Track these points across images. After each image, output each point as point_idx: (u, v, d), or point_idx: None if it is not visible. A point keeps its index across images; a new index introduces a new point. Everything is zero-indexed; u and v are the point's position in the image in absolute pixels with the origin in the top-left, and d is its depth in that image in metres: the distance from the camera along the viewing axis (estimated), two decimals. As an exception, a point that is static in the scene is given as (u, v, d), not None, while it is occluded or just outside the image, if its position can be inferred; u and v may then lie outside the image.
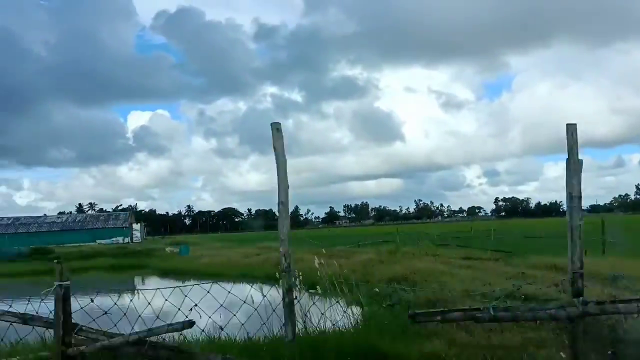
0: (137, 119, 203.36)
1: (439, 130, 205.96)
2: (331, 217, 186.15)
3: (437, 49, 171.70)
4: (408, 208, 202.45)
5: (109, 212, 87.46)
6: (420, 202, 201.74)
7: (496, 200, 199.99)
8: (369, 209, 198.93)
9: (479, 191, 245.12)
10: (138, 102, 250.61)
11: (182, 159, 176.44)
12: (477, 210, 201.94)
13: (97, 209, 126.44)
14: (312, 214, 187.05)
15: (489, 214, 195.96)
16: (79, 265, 32.25)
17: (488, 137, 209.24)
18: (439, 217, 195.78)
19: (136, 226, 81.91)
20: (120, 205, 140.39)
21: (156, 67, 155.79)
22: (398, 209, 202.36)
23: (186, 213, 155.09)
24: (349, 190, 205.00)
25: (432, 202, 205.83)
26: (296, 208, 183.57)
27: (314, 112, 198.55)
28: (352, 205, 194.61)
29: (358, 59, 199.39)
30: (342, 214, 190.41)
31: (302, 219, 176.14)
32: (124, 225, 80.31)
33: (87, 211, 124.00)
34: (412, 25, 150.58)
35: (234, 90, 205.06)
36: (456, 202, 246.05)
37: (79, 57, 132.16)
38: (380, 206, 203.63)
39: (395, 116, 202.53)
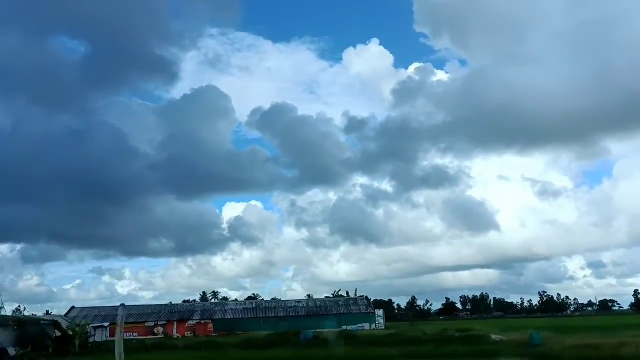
0: (231, 210, 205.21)
1: (535, 219, 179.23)
2: (448, 308, 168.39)
3: (531, 135, 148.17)
4: (530, 300, 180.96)
5: (345, 297, 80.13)
6: (545, 294, 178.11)
7: (635, 292, 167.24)
8: (489, 301, 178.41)
9: (583, 283, 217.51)
10: (233, 194, 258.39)
11: (273, 249, 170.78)
12: (609, 304, 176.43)
13: (220, 297, 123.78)
14: (430, 304, 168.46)
15: (625, 308, 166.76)
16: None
17: (590, 226, 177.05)
18: (567, 311, 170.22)
19: (379, 312, 73.38)
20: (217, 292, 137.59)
21: (251, 161, 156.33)
22: (519, 301, 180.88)
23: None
24: (441, 280, 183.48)
25: (559, 295, 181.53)
26: (413, 298, 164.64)
27: (404, 201, 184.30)
28: (470, 297, 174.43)
29: (448, 148, 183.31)
30: (458, 304, 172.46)
31: (418, 309, 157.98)
32: (368, 310, 72.32)
33: (210, 299, 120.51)
34: (504, 112, 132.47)
35: (325, 181, 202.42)
36: (568, 294, 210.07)
37: (181, 153, 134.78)
38: (497, 298, 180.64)
39: (489, 204, 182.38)
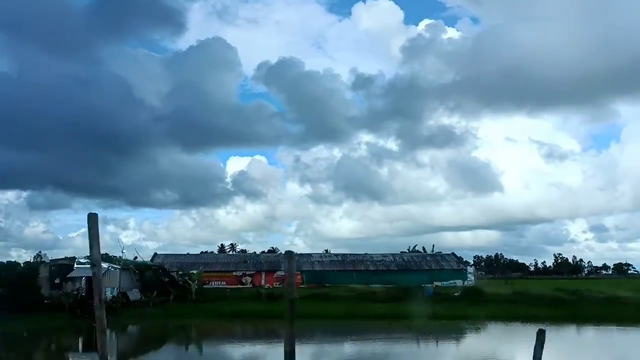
0: (236, 164, 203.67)
1: (540, 182, 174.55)
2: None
3: (541, 97, 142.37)
4: (544, 262, 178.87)
5: (430, 253, 77.86)
6: (560, 257, 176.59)
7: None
8: (501, 262, 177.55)
9: (584, 247, 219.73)
10: (238, 148, 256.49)
11: (277, 204, 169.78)
12: (625, 268, 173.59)
13: (238, 249, 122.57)
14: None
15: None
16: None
17: (595, 190, 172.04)
18: (581, 274, 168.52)
19: (470, 268, 71.13)
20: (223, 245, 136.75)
21: (256, 115, 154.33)
22: (532, 262, 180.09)
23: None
24: (442, 240, 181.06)
25: (574, 257, 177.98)
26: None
27: (409, 160, 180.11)
28: (484, 257, 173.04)
29: (456, 108, 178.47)
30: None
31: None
32: (460, 267, 70.08)
33: (228, 251, 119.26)
34: (515, 72, 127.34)
35: (330, 138, 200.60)
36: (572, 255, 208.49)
37: (186, 106, 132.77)
38: (512, 259, 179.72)
39: (494, 166, 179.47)
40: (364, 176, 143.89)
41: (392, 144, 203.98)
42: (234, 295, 47.65)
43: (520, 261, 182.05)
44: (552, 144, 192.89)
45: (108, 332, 28.13)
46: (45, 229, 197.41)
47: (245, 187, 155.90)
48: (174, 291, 42.72)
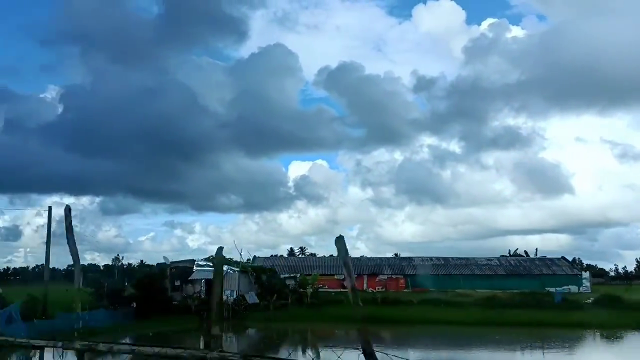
0: (297, 168, 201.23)
1: (614, 183, 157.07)
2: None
3: (613, 94, 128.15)
4: (625, 267, 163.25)
5: (542, 257, 73.74)
6: None
7: None
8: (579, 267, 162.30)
9: None
10: (300, 153, 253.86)
11: (338, 208, 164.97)
12: None
13: (307, 253, 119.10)
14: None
15: None
16: None
17: None
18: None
19: (585, 274, 66.66)
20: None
21: (318, 120, 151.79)
22: (612, 267, 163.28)
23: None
24: (508, 244, 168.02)
25: None
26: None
27: (473, 162, 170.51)
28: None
29: (522, 108, 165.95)
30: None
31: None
32: (574, 272, 65.90)
33: (298, 255, 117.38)
34: (585, 70, 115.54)
35: (391, 141, 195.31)
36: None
37: (249, 112, 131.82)
38: (588, 264, 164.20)
39: (563, 168, 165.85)
40: (427, 179, 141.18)
41: (455, 146, 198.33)
42: (347, 299, 46.67)
43: (599, 266, 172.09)
44: (626, 144, 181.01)
45: (231, 335, 27.83)
46: (117, 233, 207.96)
47: (307, 191, 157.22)
48: (291, 295, 42.41)
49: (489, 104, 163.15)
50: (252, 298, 42.63)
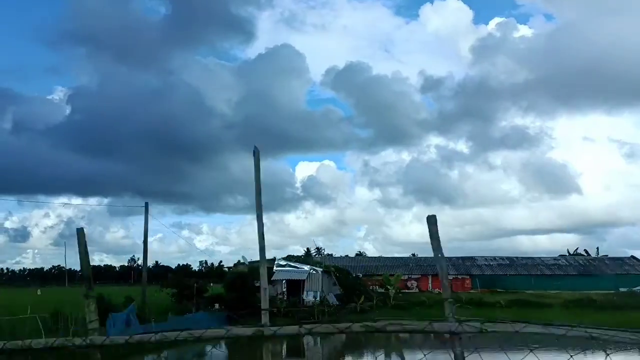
0: (305, 169, 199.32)
1: (621, 183, 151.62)
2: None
3: (621, 94, 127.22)
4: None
5: (611, 257, 71.21)
6: None
7: None
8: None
9: None
10: (307, 153, 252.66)
11: (346, 208, 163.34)
12: None
13: (325, 253, 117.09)
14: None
15: None
16: None
17: None
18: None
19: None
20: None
21: (325, 120, 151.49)
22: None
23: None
24: (516, 244, 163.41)
25: None
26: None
27: (481, 162, 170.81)
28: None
29: (530, 107, 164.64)
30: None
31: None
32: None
33: (314, 256, 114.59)
34: (592, 69, 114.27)
35: (399, 142, 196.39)
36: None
37: (256, 113, 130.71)
38: None
39: (571, 167, 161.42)
40: (434, 179, 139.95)
41: (462, 146, 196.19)
42: (428, 299, 45.28)
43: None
44: (634, 143, 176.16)
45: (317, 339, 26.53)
46: (124, 234, 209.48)
47: (314, 192, 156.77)
48: (376, 295, 41.24)
49: (497, 104, 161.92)
50: (332, 299, 41.60)
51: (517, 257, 68.51)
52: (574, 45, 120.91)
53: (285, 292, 41.50)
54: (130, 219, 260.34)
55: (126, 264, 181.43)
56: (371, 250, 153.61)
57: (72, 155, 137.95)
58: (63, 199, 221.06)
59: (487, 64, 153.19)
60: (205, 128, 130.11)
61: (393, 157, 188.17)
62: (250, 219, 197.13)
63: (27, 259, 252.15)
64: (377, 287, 45.55)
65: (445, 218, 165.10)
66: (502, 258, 68.44)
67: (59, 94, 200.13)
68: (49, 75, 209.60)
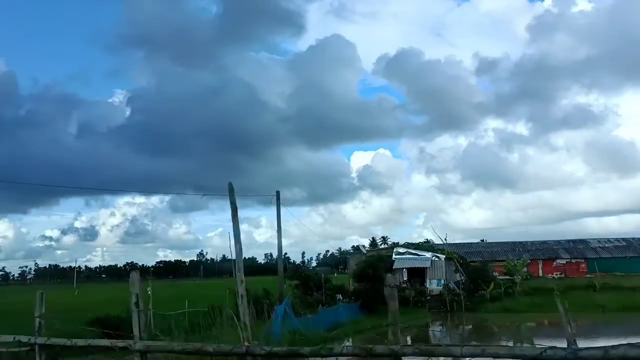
0: (360, 158, 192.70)
1: None
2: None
3: None
4: None
5: None
6: None
7: None
8: None
9: None
10: (361, 143, 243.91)
11: (403, 196, 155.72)
12: None
13: (390, 242, 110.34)
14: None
15: None
16: None
17: None
18: None
19: None
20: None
21: (378, 109, 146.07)
22: None
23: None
24: (583, 227, 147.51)
25: None
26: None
27: (542, 144, 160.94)
28: None
29: (593, 84, 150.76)
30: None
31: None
32: None
33: (379, 244, 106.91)
34: None
35: (455, 126, 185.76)
36: None
37: (309, 105, 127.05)
38: None
39: None
40: (493, 164, 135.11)
41: (522, 128, 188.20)
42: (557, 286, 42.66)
43: None
44: None
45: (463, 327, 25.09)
46: (186, 230, 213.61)
47: (370, 181, 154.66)
48: (502, 283, 39.41)
49: (557, 83, 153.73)
50: (452, 287, 40.11)
51: (633, 239, 63.98)
52: (638, 16, 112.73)
53: (407, 281, 40.45)
54: (192, 215, 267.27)
55: (195, 259, 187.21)
56: (430, 238, 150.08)
57: (133, 154, 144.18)
58: (127, 198, 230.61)
59: (545, 41, 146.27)
60: (260, 122, 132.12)
61: (449, 143, 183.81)
62: (308, 211, 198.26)
63: (97, 257, 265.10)
64: (499, 274, 43.56)
65: (506, 203, 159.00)
66: (617, 240, 64.19)
67: (119, 96, 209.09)
68: (109, 79, 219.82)
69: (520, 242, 65.96)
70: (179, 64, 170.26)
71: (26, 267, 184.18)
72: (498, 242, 67.18)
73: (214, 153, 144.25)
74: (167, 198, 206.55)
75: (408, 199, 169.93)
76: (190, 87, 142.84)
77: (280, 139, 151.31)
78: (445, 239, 43.51)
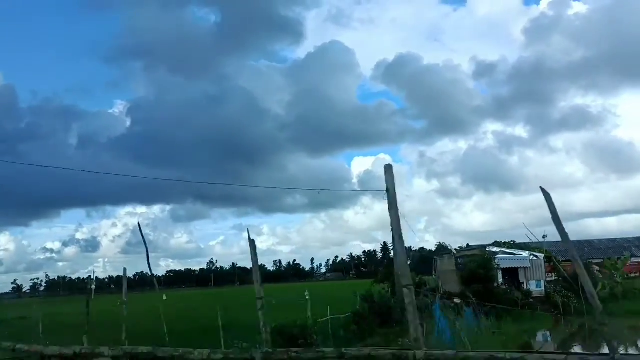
0: (360, 164, 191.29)
1: None
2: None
3: None
4: None
5: None
6: None
7: None
8: None
9: None
10: (362, 148, 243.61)
11: (404, 201, 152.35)
12: None
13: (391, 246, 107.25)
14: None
15: None
16: None
17: None
18: None
19: None
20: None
21: (378, 114, 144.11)
22: None
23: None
24: (584, 228, 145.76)
25: None
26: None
27: (541, 146, 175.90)
28: None
29: (590, 86, 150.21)
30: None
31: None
32: None
33: (391, 248, 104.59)
34: None
35: (455, 130, 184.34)
36: None
37: (309, 112, 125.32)
38: None
39: (639, 145, 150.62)
40: (493, 166, 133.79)
41: (521, 131, 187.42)
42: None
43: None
44: None
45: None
46: (188, 239, 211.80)
47: (371, 186, 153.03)
48: (607, 284, 37.25)
49: (555, 85, 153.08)
50: (535, 287, 38.04)
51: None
52: (634, 17, 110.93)
53: (503, 282, 38.36)
54: (194, 224, 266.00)
55: (205, 267, 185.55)
56: (432, 242, 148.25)
57: (134, 164, 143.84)
58: (128, 208, 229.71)
59: (542, 44, 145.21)
60: (261, 130, 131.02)
61: (449, 147, 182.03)
62: (310, 217, 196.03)
63: (99, 268, 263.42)
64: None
65: (507, 205, 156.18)
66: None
67: (119, 107, 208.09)
68: (109, 90, 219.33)
69: (587, 241, 63.42)
70: (179, 74, 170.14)
71: (37, 279, 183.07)
72: (557, 242, 64.76)
73: (215, 162, 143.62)
74: (168, 207, 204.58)
75: (409, 204, 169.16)
76: (190, 97, 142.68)
77: (281, 146, 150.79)
78: (544, 237, 41.13)
